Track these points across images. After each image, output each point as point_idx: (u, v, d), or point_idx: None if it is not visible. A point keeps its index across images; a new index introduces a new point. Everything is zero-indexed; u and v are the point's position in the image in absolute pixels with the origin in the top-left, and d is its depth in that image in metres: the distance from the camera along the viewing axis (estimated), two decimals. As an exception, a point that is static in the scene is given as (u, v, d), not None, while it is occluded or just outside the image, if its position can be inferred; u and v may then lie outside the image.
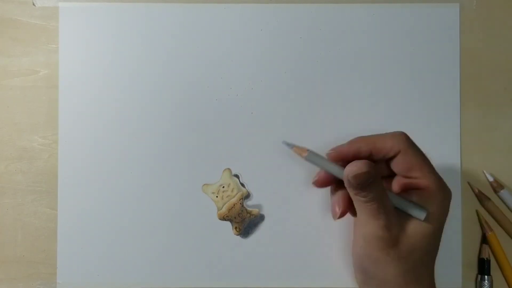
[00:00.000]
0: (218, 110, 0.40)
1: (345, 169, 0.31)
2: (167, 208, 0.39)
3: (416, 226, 0.32)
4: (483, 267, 0.39)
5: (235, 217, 0.39)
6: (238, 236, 0.39)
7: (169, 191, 0.39)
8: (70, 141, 0.40)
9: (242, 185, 0.39)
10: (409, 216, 0.32)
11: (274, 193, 0.39)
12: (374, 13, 0.40)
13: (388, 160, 0.33)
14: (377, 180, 0.31)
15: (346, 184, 0.31)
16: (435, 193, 0.32)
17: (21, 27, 0.40)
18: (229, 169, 0.40)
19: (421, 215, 0.31)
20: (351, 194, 0.32)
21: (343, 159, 0.33)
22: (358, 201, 0.31)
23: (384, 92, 0.40)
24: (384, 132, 0.33)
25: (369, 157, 0.32)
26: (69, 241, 0.39)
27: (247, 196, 0.39)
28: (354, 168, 0.30)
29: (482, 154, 0.40)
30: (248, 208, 0.39)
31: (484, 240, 0.39)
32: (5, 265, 0.40)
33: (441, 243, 0.39)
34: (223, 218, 0.39)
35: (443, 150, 0.40)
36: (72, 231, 0.39)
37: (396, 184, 0.33)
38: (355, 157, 0.32)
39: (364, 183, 0.30)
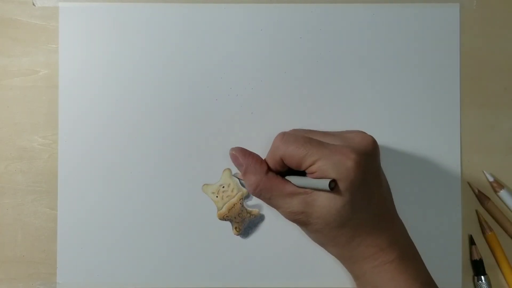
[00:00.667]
0: (218, 110, 0.40)
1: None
2: (167, 208, 0.39)
3: (323, 200, 0.31)
4: (478, 269, 0.39)
5: (235, 217, 0.39)
6: (238, 236, 0.39)
7: (169, 191, 0.39)
8: (70, 141, 0.39)
9: (242, 185, 0.39)
10: (319, 192, 0.31)
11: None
12: (374, 13, 0.40)
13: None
14: (263, 183, 0.33)
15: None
16: (331, 165, 0.30)
17: (21, 27, 0.40)
18: (229, 169, 0.40)
19: (326, 185, 0.30)
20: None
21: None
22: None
23: (384, 92, 0.40)
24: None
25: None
26: (69, 241, 0.39)
27: (247, 196, 0.39)
28: (247, 186, 0.35)
29: (482, 154, 0.40)
30: (248, 208, 0.39)
31: (472, 241, 0.39)
32: (5, 265, 0.40)
33: (441, 243, 0.39)
34: (223, 218, 0.39)
35: (443, 150, 0.40)
36: (72, 231, 0.39)
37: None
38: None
39: (257, 194, 0.34)
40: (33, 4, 0.40)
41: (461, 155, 0.40)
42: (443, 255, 0.39)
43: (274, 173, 0.34)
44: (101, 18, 0.40)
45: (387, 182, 0.35)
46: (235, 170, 0.40)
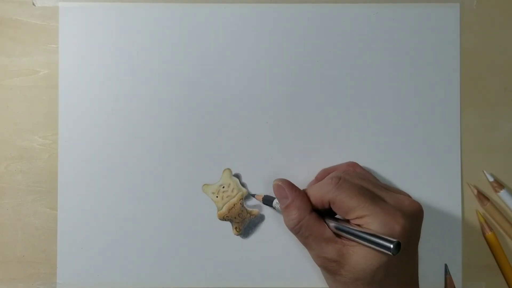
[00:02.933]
0: (218, 110, 0.40)
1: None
2: (167, 208, 0.39)
3: (361, 257, 0.30)
4: None
5: (235, 217, 0.39)
6: (238, 236, 0.39)
7: (169, 191, 0.39)
8: (70, 141, 0.39)
9: (243, 185, 0.39)
10: (357, 246, 0.31)
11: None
12: (374, 13, 0.40)
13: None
14: (306, 221, 0.33)
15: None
16: (379, 224, 0.30)
17: (21, 27, 0.40)
18: (229, 169, 0.40)
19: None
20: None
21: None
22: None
23: (384, 92, 0.40)
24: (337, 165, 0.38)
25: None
26: (69, 241, 0.39)
27: (247, 196, 0.39)
28: (286, 220, 0.34)
29: (482, 154, 0.40)
30: (248, 208, 0.39)
31: (447, 271, 0.39)
32: (5, 265, 0.40)
33: (441, 243, 0.39)
34: (223, 218, 0.39)
35: (443, 150, 0.40)
36: (72, 231, 0.39)
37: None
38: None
39: (296, 231, 0.33)
40: (33, 4, 0.40)
41: (461, 155, 0.40)
42: (444, 255, 0.39)
43: (317, 215, 0.33)
44: (101, 18, 0.40)
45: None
46: (235, 170, 0.40)
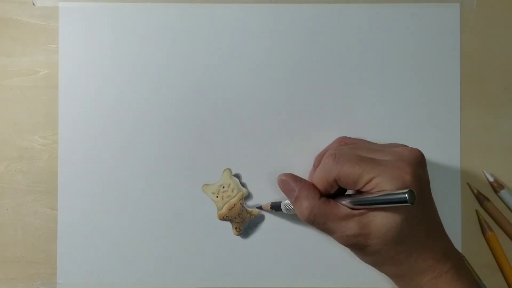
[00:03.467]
0: (218, 110, 0.40)
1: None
2: (167, 208, 0.39)
3: (382, 219, 0.30)
4: None
5: (235, 217, 0.39)
6: (238, 236, 0.39)
7: (169, 191, 0.39)
8: (70, 141, 0.39)
9: (243, 185, 0.39)
10: (375, 211, 0.31)
11: (275, 193, 0.39)
12: (374, 13, 0.40)
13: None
14: (318, 208, 0.32)
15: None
16: (390, 180, 0.30)
17: (21, 27, 0.40)
18: (229, 169, 0.40)
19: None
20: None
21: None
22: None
23: (384, 91, 0.40)
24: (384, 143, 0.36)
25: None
26: (69, 241, 0.39)
27: (247, 196, 0.39)
28: (299, 212, 0.34)
29: (482, 154, 0.40)
30: (248, 208, 0.39)
31: None
32: (5, 265, 0.40)
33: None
34: (223, 218, 0.39)
35: (443, 150, 0.40)
36: (72, 231, 0.39)
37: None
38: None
39: (311, 220, 0.33)
40: (33, 4, 0.40)
41: (461, 155, 0.40)
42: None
43: (326, 197, 0.33)
44: (101, 18, 0.40)
45: None
46: (235, 170, 0.40)
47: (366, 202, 0.31)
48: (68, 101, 0.40)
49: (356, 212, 0.31)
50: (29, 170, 0.40)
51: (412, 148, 0.33)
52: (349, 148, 0.34)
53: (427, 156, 0.39)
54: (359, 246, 0.32)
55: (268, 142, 0.40)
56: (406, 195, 0.28)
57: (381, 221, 0.30)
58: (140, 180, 0.39)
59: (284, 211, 0.37)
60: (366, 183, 0.31)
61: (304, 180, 0.34)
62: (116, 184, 0.39)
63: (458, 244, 0.39)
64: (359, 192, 0.32)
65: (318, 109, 0.40)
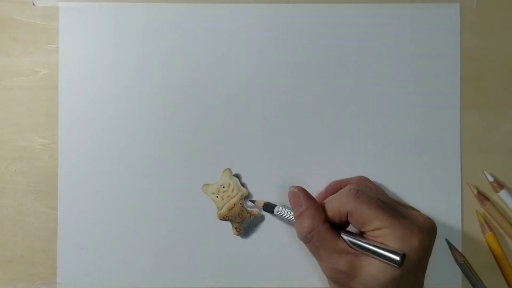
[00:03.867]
0: (218, 110, 0.40)
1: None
2: (167, 208, 0.39)
3: (373, 268, 0.31)
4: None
5: (235, 217, 0.39)
6: (238, 236, 0.39)
7: (169, 191, 0.39)
8: (70, 141, 0.40)
9: (243, 185, 0.39)
10: (370, 259, 0.31)
11: (274, 193, 0.39)
12: (374, 13, 0.40)
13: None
14: (318, 231, 0.33)
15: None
16: (398, 237, 0.30)
17: (21, 27, 0.40)
18: (229, 169, 0.40)
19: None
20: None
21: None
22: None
23: (384, 91, 0.40)
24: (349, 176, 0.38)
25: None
26: (69, 241, 0.39)
27: (247, 196, 0.39)
28: (298, 228, 0.34)
29: (482, 154, 0.40)
30: (248, 209, 0.39)
31: (450, 246, 0.39)
32: (5, 265, 0.40)
33: (441, 243, 0.39)
34: (223, 218, 0.39)
35: (443, 150, 0.40)
36: (72, 231, 0.39)
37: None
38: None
39: (307, 240, 0.33)
40: (33, 4, 0.40)
41: (461, 155, 0.40)
42: (443, 255, 0.39)
43: (329, 226, 0.33)
44: (101, 18, 0.40)
45: None
46: (235, 170, 0.40)
47: (363, 247, 0.31)
48: (68, 101, 0.40)
49: (352, 250, 0.32)
50: (29, 170, 0.40)
51: (428, 217, 0.33)
52: (371, 190, 0.35)
53: (427, 156, 0.40)
54: (340, 282, 0.32)
55: (268, 142, 0.40)
56: (399, 257, 0.29)
57: (371, 271, 0.30)
58: (140, 180, 0.39)
59: (275, 214, 0.37)
60: (374, 230, 0.31)
61: (314, 199, 0.34)
62: (116, 184, 0.39)
63: (458, 244, 0.39)
64: (361, 233, 0.32)
65: (318, 109, 0.40)
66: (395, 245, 0.30)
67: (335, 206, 0.33)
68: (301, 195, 0.34)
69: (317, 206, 0.34)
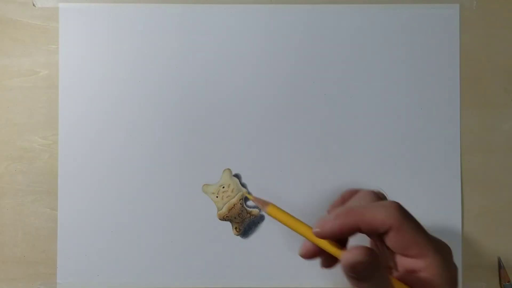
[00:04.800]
0: (218, 110, 0.40)
1: (342, 255, 0.27)
2: (167, 208, 0.39)
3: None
4: None
5: (235, 217, 0.39)
6: (238, 236, 0.39)
7: (169, 191, 0.39)
8: (70, 141, 0.40)
9: (243, 185, 0.39)
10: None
11: (274, 193, 0.39)
12: (374, 14, 0.40)
13: (381, 235, 0.27)
14: (378, 269, 0.26)
15: (343, 271, 0.27)
16: (441, 274, 0.26)
17: (21, 28, 0.40)
18: (229, 169, 0.40)
19: None
20: (349, 281, 0.27)
21: (330, 237, 0.28)
22: None
23: (384, 91, 0.40)
24: (376, 202, 0.29)
25: (359, 231, 0.28)
26: (69, 241, 0.39)
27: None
28: (349, 256, 0.26)
29: (482, 154, 0.40)
30: (248, 208, 0.39)
31: (501, 264, 0.39)
32: (5, 265, 0.40)
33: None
34: (223, 218, 0.39)
35: (443, 150, 0.40)
36: (72, 231, 0.39)
37: (396, 267, 0.28)
38: (343, 232, 0.28)
39: (362, 274, 0.26)
40: (33, 5, 0.40)
41: (461, 155, 0.40)
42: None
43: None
44: (101, 18, 0.40)
45: None
46: (235, 170, 0.40)
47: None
48: (68, 101, 0.40)
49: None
50: (29, 170, 0.40)
51: (446, 245, 0.28)
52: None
53: (428, 156, 0.40)
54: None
55: (268, 142, 0.40)
56: None
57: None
58: (140, 180, 0.40)
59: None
60: (416, 256, 0.27)
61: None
62: (116, 184, 0.39)
63: (458, 244, 0.39)
64: (394, 258, 0.28)
65: (318, 109, 0.40)
66: (440, 280, 0.26)
67: (378, 217, 0.27)
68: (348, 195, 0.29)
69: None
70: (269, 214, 0.30)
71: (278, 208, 0.31)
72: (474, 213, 0.40)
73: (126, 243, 0.39)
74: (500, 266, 0.39)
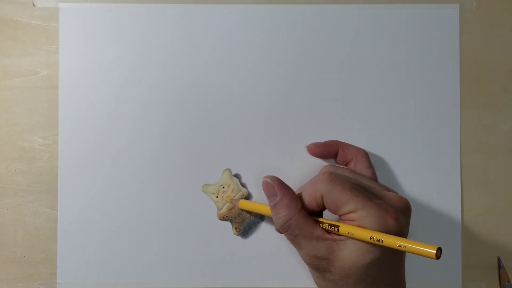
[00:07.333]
0: (218, 110, 0.40)
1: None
2: (167, 208, 0.39)
3: (353, 252, 0.30)
4: None
5: (235, 217, 0.39)
6: (238, 236, 0.39)
7: (169, 191, 0.39)
8: (70, 141, 0.40)
9: (243, 185, 0.39)
10: (349, 243, 0.31)
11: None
12: (374, 14, 0.40)
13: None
14: (295, 219, 0.32)
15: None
16: (377, 217, 0.30)
17: (21, 28, 0.40)
18: (229, 169, 0.40)
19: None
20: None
21: (318, 154, 0.39)
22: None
23: (383, 92, 0.40)
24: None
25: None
26: (69, 241, 0.39)
27: (247, 196, 0.39)
28: (275, 218, 0.33)
29: (482, 154, 0.40)
30: (248, 208, 0.39)
31: (500, 264, 0.39)
32: (5, 265, 0.40)
33: (441, 243, 0.39)
34: (223, 218, 0.39)
35: (443, 150, 0.40)
36: (72, 231, 0.39)
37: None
38: (325, 153, 0.38)
39: (285, 229, 0.33)
40: (33, 5, 0.40)
41: (461, 155, 0.40)
42: (443, 255, 0.39)
43: (307, 213, 0.33)
44: (101, 18, 0.40)
45: None
46: (235, 170, 0.40)
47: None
48: (68, 101, 0.40)
49: (330, 236, 0.31)
50: (29, 170, 0.40)
51: (401, 197, 0.33)
52: (347, 172, 0.34)
53: (427, 156, 0.40)
54: (320, 269, 0.32)
55: (268, 142, 0.40)
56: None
57: (350, 254, 0.30)
58: (140, 180, 0.40)
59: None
60: (349, 212, 0.31)
61: (288, 187, 0.34)
62: (116, 184, 0.39)
63: (458, 244, 0.39)
64: (340, 218, 0.32)
65: (318, 109, 0.40)
66: (372, 227, 0.29)
67: (310, 191, 0.32)
68: (275, 185, 0.33)
69: (292, 194, 0.33)
70: (242, 208, 0.38)
71: (248, 201, 0.39)
72: (474, 213, 0.40)
73: (126, 243, 0.39)
74: (500, 266, 0.39)
